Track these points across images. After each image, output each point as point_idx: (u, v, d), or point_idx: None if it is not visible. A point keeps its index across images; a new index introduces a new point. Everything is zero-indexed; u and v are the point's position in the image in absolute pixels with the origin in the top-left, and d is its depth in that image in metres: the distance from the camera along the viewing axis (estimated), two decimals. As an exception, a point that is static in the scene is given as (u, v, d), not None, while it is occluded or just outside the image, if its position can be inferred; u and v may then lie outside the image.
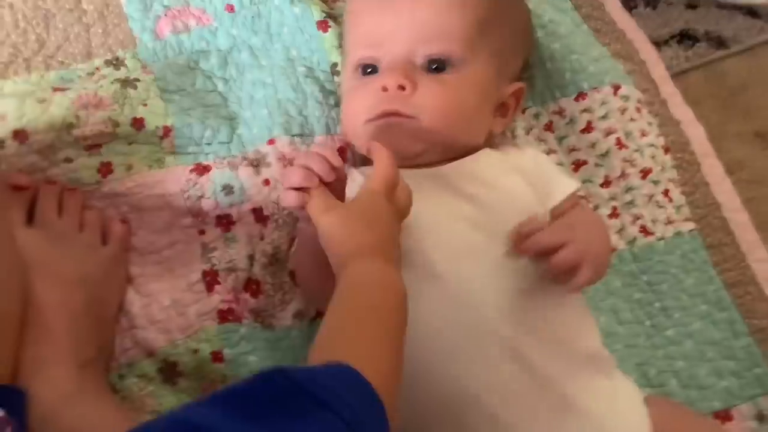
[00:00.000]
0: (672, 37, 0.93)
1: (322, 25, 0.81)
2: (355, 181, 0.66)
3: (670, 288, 0.78)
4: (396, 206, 0.58)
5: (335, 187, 0.58)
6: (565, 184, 0.70)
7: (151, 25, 0.81)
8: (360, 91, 0.69)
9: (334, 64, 0.80)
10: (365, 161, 0.76)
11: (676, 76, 0.91)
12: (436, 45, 0.67)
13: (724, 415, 0.74)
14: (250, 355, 0.68)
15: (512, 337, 0.60)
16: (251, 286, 0.71)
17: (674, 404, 0.72)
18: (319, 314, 0.72)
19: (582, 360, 0.62)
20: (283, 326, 0.71)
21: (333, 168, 0.57)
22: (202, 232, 0.71)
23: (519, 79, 0.77)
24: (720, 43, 0.93)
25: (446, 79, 0.67)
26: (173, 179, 0.71)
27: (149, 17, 0.81)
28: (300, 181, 0.56)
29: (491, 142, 0.73)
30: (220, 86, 0.79)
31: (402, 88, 0.65)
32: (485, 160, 0.69)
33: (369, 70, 0.70)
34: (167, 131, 0.73)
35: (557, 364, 0.60)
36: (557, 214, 0.69)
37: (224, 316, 0.68)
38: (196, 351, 0.67)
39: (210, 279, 0.69)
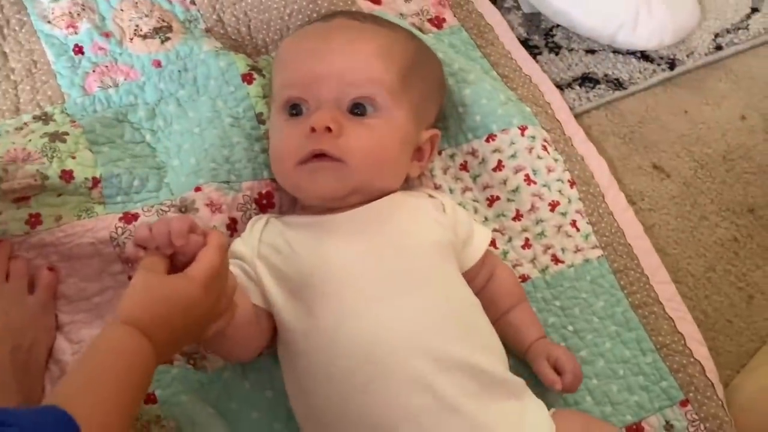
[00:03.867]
0: (574, 80, 1.00)
1: (247, 78, 0.85)
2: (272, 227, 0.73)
3: (581, 312, 0.82)
4: (212, 296, 0.57)
5: (179, 259, 0.58)
6: (483, 234, 0.78)
7: (80, 81, 0.84)
8: (288, 132, 0.73)
9: (260, 114, 0.83)
10: (293, 205, 0.80)
11: (579, 115, 0.98)
12: (363, 89, 0.71)
13: (635, 428, 0.79)
14: (183, 394, 0.70)
15: (423, 370, 0.63)
16: (182, 328, 0.73)
17: (580, 415, 0.76)
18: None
19: (493, 386, 0.66)
20: (215, 368, 0.73)
21: (170, 243, 0.57)
22: (132, 278, 0.73)
23: (434, 126, 0.83)
24: (618, 84, 1.01)
25: (370, 123, 0.71)
26: (102, 227, 0.74)
27: (77, 74, 0.85)
28: (139, 240, 0.57)
29: (406, 185, 0.78)
30: (148, 137, 0.82)
31: (329, 129, 0.69)
32: (399, 202, 0.74)
33: (295, 111, 0.73)
34: (96, 182, 0.76)
35: (468, 393, 0.64)
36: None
37: (155, 358, 0.70)
38: (128, 393, 0.69)
39: (140, 323, 0.71)
